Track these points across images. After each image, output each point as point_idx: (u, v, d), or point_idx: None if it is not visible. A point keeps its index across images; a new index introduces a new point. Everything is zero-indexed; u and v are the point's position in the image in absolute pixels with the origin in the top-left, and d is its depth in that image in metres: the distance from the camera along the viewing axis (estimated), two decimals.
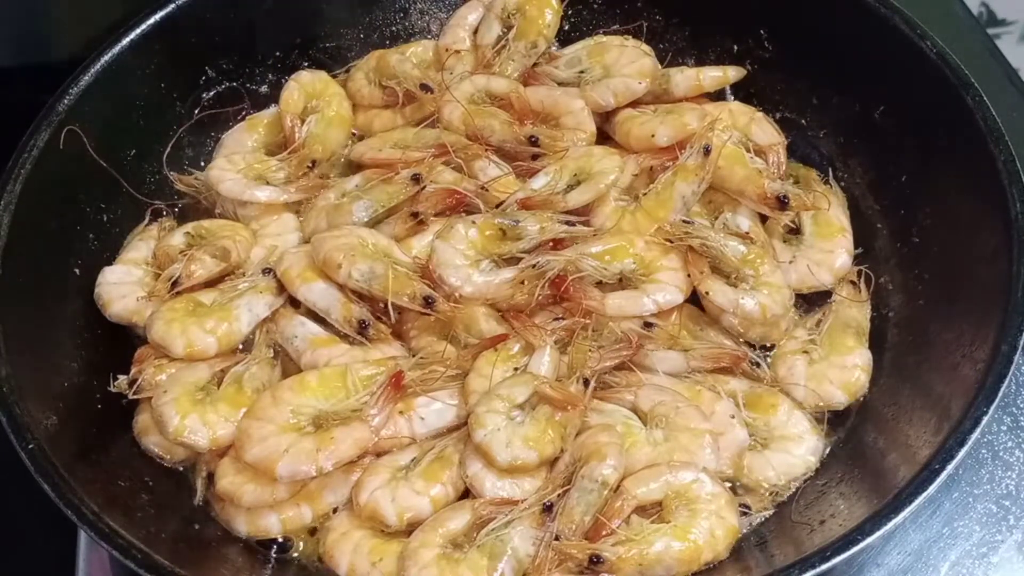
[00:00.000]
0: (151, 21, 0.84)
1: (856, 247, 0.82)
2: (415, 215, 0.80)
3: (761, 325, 0.77)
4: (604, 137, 0.88)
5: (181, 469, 0.74)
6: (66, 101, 0.79)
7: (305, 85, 0.89)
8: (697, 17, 0.93)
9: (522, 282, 0.75)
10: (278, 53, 0.93)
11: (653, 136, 0.83)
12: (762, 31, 0.89)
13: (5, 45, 1.05)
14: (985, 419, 0.62)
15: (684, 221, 0.79)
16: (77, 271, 0.79)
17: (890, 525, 0.59)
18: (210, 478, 0.72)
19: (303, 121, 0.88)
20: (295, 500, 0.70)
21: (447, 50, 0.94)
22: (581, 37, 0.94)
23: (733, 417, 0.72)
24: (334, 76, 0.93)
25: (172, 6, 0.85)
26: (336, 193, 0.84)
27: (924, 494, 0.60)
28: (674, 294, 0.76)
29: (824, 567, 0.58)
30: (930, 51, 0.77)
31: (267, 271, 0.79)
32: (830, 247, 0.81)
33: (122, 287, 0.79)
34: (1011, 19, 1.34)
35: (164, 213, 0.85)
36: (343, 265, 0.75)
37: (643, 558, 0.64)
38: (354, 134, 0.92)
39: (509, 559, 0.64)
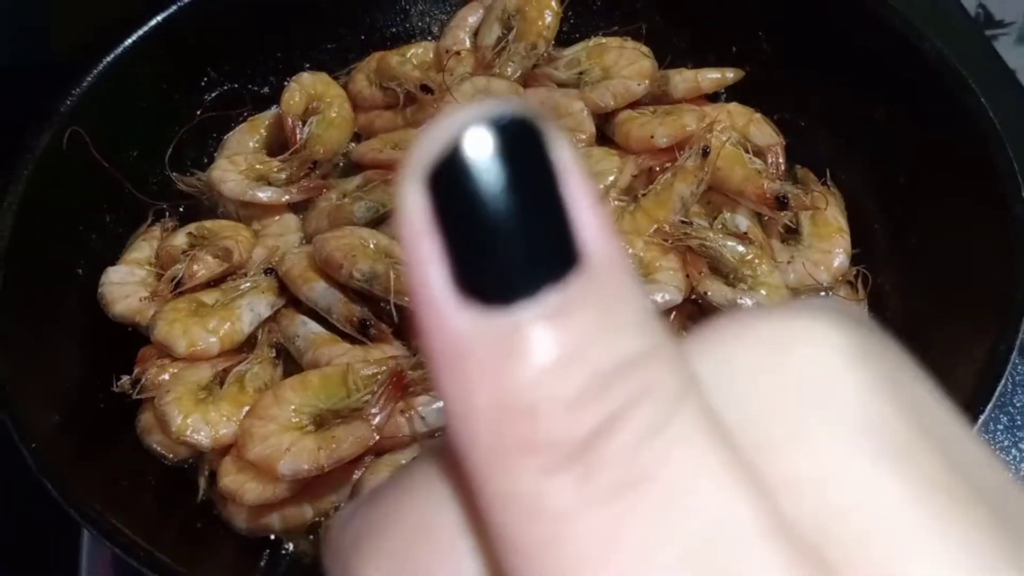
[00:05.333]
0: (153, 23, 0.84)
1: (854, 247, 0.82)
2: None
3: None
4: (604, 138, 0.88)
5: (184, 467, 0.75)
6: (68, 102, 0.79)
7: (306, 86, 0.90)
8: (697, 18, 0.93)
9: None
10: (279, 55, 0.93)
11: (652, 137, 0.83)
12: (762, 32, 0.89)
13: (5, 45, 1.05)
14: (982, 418, 0.62)
15: (683, 222, 0.79)
16: (80, 271, 0.79)
17: None
18: (212, 477, 0.73)
19: (304, 122, 0.89)
20: (296, 499, 0.71)
21: (447, 51, 0.94)
22: (581, 38, 0.94)
23: None
24: (335, 77, 0.93)
25: (174, 7, 0.85)
26: (337, 194, 0.84)
27: None
28: (673, 294, 0.76)
29: None
30: (929, 51, 0.77)
31: (269, 271, 0.79)
32: (828, 247, 0.81)
33: (125, 287, 0.79)
34: (1008, 20, 1.35)
35: (166, 214, 0.86)
36: (344, 265, 0.75)
37: None
38: (356, 135, 0.93)
39: None
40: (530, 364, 0.13)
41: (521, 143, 0.13)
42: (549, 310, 0.13)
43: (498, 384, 0.13)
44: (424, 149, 0.13)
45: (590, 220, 0.13)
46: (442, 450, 0.15)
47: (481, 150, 0.13)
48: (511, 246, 0.13)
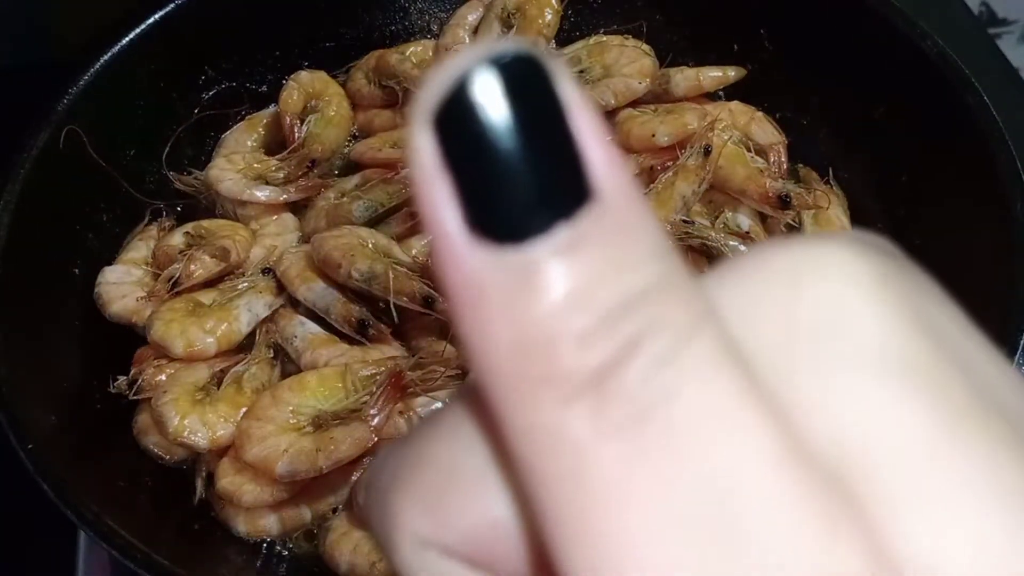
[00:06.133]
0: (151, 21, 0.84)
1: None
2: (415, 215, 0.80)
3: None
4: None
5: (182, 468, 0.74)
6: (66, 101, 0.79)
7: (304, 85, 0.89)
8: (697, 17, 0.92)
9: None
10: (277, 53, 0.93)
11: (653, 136, 0.82)
12: (762, 31, 0.89)
13: (5, 45, 1.05)
14: None
15: (684, 221, 0.79)
16: (77, 271, 0.79)
17: None
18: (210, 478, 0.72)
19: (302, 121, 0.88)
20: (295, 500, 0.70)
21: (447, 50, 0.93)
22: (581, 37, 0.94)
23: None
24: (334, 76, 0.92)
25: (172, 6, 0.84)
26: (336, 193, 0.84)
27: None
28: None
29: None
30: (930, 51, 0.77)
31: (266, 271, 0.79)
32: None
33: (122, 287, 0.78)
34: (1012, 19, 1.34)
35: (164, 213, 0.85)
36: (343, 265, 0.75)
37: None
38: (354, 134, 0.92)
39: None
40: (543, 299, 0.13)
41: (526, 80, 0.13)
42: (561, 246, 0.13)
43: (514, 320, 0.13)
44: (430, 92, 0.13)
45: (599, 154, 0.14)
46: (470, 392, 0.15)
47: (486, 89, 0.13)
48: (521, 184, 0.13)
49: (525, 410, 0.14)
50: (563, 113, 0.14)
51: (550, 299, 0.13)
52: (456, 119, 0.13)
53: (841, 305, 0.15)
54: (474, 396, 0.15)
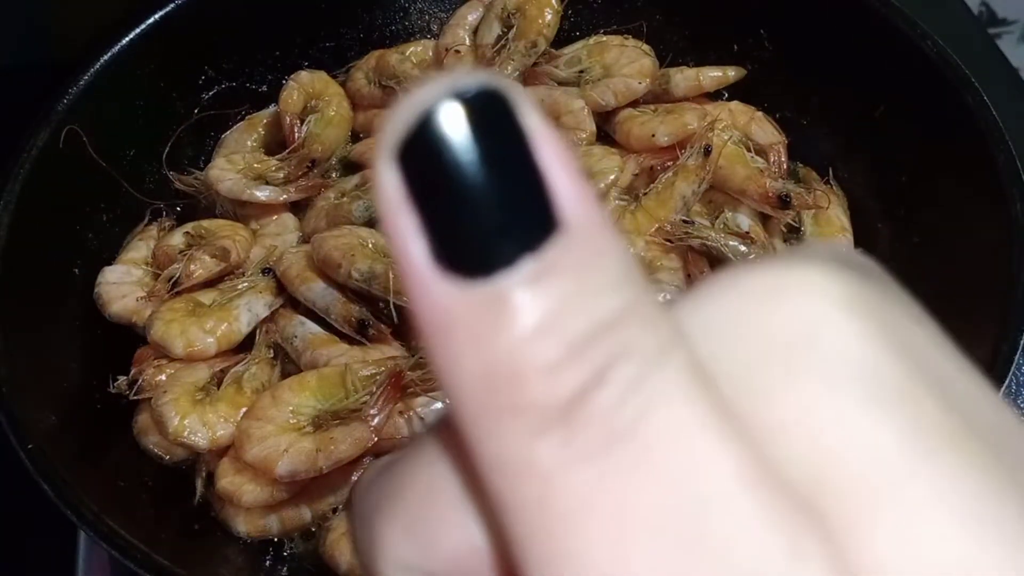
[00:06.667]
0: (151, 21, 0.84)
1: (856, 246, 0.82)
2: None
3: None
4: (604, 137, 0.88)
5: (183, 468, 0.74)
6: (66, 101, 0.79)
7: (304, 85, 0.89)
8: (697, 17, 0.92)
9: None
10: (277, 53, 0.93)
11: (653, 136, 0.82)
12: (762, 31, 0.89)
13: (5, 45, 1.05)
14: None
15: (684, 221, 0.79)
16: (77, 271, 0.79)
17: None
18: (210, 478, 0.72)
19: (302, 121, 0.88)
20: (295, 500, 0.70)
21: (447, 50, 0.93)
22: (581, 36, 0.94)
23: None
24: (334, 76, 0.92)
25: (172, 6, 0.84)
26: (336, 193, 0.84)
27: None
28: (675, 294, 0.76)
29: None
30: (930, 51, 0.77)
31: (266, 271, 0.79)
32: None
33: (122, 287, 0.78)
34: (1011, 19, 1.34)
35: (164, 213, 0.85)
36: (343, 265, 0.75)
37: None
38: (355, 134, 0.92)
39: None
40: (510, 330, 0.13)
41: (489, 113, 0.13)
42: (527, 277, 0.13)
43: (483, 352, 0.13)
44: (394, 126, 0.13)
45: (564, 184, 0.14)
46: (446, 421, 0.16)
47: (449, 122, 0.13)
48: (486, 217, 0.13)
49: (495, 440, 0.14)
50: (528, 145, 0.14)
51: (517, 330, 0.13)
52: (420, 153, 0.13)
53: (815, 325, 0.15)
54: (449, 425, 0.15)
